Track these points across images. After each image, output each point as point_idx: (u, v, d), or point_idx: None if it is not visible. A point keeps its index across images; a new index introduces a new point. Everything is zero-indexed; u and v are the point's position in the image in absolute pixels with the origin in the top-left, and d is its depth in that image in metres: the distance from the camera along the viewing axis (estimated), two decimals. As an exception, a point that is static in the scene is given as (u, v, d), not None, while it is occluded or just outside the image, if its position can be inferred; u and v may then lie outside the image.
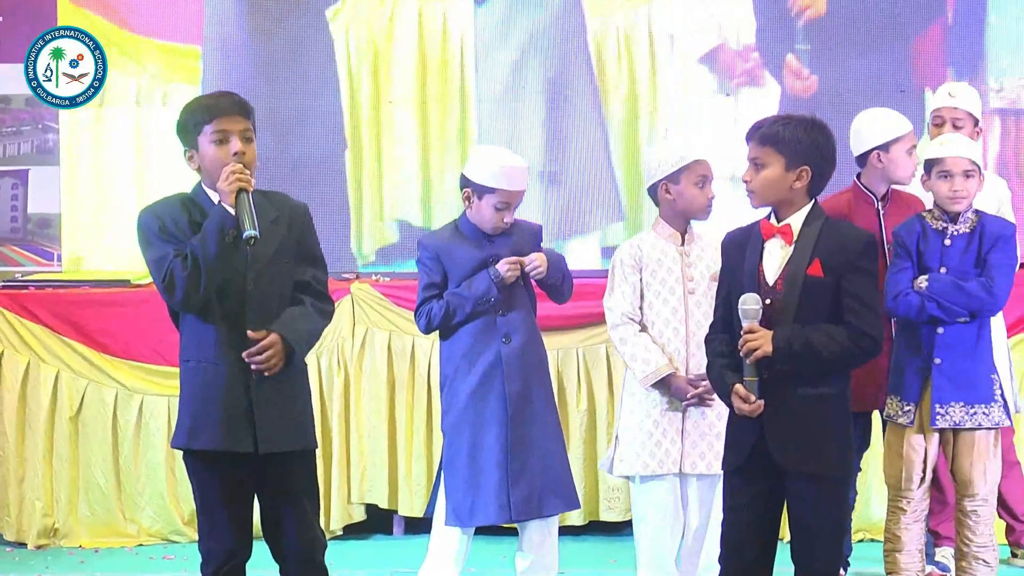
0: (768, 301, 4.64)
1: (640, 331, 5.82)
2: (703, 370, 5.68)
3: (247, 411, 4.81)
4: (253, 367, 4.78)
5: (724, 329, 4.79)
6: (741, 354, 4.63)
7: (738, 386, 4.65)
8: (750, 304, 4.61)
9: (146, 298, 7.77)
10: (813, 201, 4.72)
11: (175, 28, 8.27)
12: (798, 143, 4.66)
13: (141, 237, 4.88)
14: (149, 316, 7.71)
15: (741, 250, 4.74)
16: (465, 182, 5.89)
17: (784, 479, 4.68)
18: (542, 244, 6.08)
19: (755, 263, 4.69)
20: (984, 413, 5.67)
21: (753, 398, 4.62)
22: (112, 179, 8.30)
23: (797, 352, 4.57)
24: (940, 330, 5.64)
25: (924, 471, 5.78)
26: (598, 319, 7.28)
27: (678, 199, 5.78)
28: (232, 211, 4.71)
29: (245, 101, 4.90)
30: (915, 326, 5.67)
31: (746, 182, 4.73)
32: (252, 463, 4.86)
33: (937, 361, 5.65)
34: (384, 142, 8.31)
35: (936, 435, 5.73)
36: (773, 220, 4.73)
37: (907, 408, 5.70)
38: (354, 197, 8.31)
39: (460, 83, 8.29)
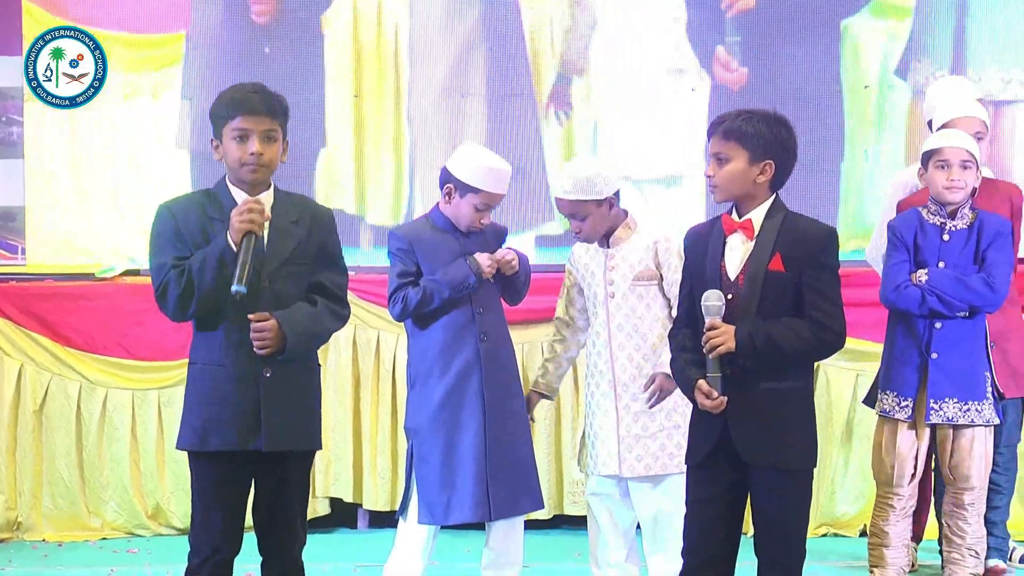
0: (730, 296, 4.65)
1: (559, 340, 6.12)
2: (626, 375, 5.75)
3: (255, 409, 4.80)
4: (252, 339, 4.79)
5: (688, 324, 4.80)
6: (704, 350, 4.65)
7: (701, 382, 4.65)
8: (712, 300, 4.62)
9: (110, 292, 7.78)
10: (774, 195, 4.74)
11: (136, 18, 8.21)
12: (762, 137, 4.68)
13: (151, 233, 4.88)
14: (113, 310, 7.72)
15: (703, 246, 4.74)
16: (448, 177, 5.89)
17: (748, 473, 4.70)
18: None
19: (717, 259, 4.69)
20: (977, 410, 5.70)
21: (716, 394, 4.62)
22: (77, 172, 8.25)
23: (760, 347, 4.58)
24: (938, 325, 5.68)
25: (915, 467, 5.80)
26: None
27: (615, 218, 5.86)
28: (235, 249, 4.69)
29: (276, 99, 4.85)
30: (912, 320, 5.70)
31: (709, 177, 4.73)
32: (254, 459, 4.86)
33: (934, 356, 5.69)
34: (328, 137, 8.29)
35: (928, 430, 5.75)
36: (734, 215, 4.74)
37: (904, 403, 5.73)
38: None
39: (395, 77, 8.26)
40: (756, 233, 4.68)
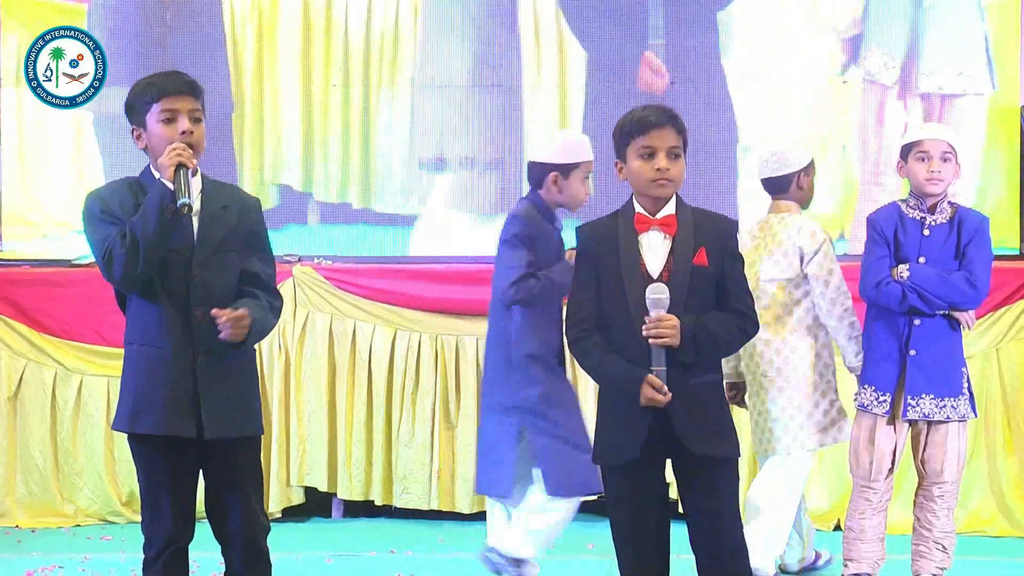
0: (656, 293, 4.62)
1: None
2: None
3: (192, 396, 4.79)
4: (219, 326, 4.76)
5: (597, 326, 4.69)
6: (652, 342, 4.54)
7: (651, 376, 4.55)
8: (659, 293, 4.50)
9: (86, 278, 7.75)
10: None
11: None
12: (686, 133, 4.71)
13: (85, 219, 4.86)
14: (89, 296, 7.69)
15: (611, 245, 4.66)
16: (545, 169, 6.08)
17: (664, 470, 4.67)
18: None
19: (635, 256, 4.61)
20: (952, 406, 5.72)
21: (665, 388, 4.54)
22: (51, 159, 8.23)
23: (700, 342, 4.55)
24: (917, 321, 5.69)
25: (893, 461, 5.83)
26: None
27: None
28: (171, 186, 4.69)
29: (195, 81, 4.87)
30: (892, 316, 5.72)
31: (665, 170, 4.61)
32: (197, 448, 4.84)
33: (913, 352, 5.70)
34: (267, 106, 8.25)
35: (906, 425, 5.78)
36: (643, 212, 4.66)
37: (883, 398, 5.74)
38: (237, 160, 8.20)
39: (344, 48, 8.26)
40: (676, 229, 4.65)
